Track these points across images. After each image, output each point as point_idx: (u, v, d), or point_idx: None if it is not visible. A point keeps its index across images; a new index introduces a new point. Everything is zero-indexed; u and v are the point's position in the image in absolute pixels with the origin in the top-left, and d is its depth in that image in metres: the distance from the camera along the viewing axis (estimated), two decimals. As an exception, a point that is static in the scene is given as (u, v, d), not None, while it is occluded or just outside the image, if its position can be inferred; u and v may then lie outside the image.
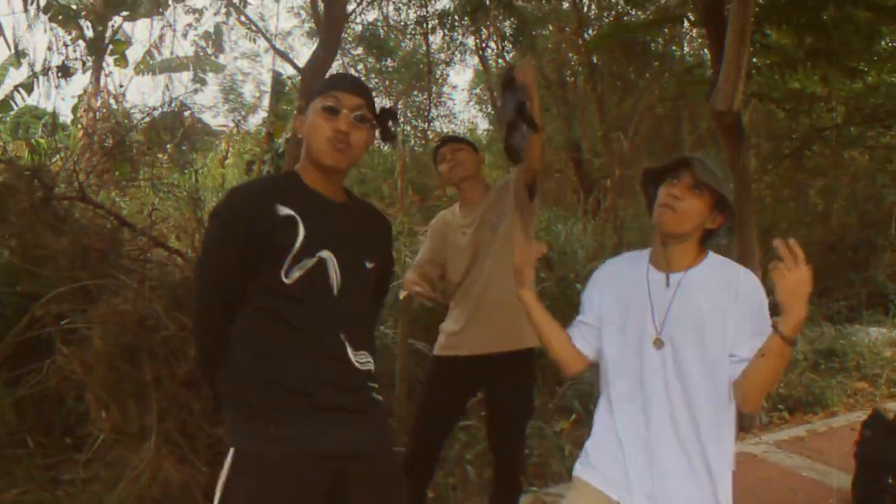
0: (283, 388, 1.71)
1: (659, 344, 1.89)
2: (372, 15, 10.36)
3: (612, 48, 7.97)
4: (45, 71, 9.80)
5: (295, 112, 3.64)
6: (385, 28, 9.83)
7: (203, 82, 5.35)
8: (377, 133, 1.90)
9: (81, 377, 3.68)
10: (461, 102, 25.84)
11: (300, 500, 1.68)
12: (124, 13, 10.73)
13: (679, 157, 1.94)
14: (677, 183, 1.90)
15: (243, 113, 16.00)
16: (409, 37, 12.27)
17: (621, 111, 9.48)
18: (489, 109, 15.50)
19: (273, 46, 3.53)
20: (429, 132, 18.42)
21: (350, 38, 11.57)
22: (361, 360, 1.79)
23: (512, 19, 8.69)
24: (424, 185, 13.33)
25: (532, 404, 3.03)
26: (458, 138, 3.18)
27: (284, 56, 3.17)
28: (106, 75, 12.28)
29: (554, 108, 11.31)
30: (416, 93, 16.78)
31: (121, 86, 11.29)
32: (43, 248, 4.59)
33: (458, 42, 12.21)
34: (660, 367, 1.89)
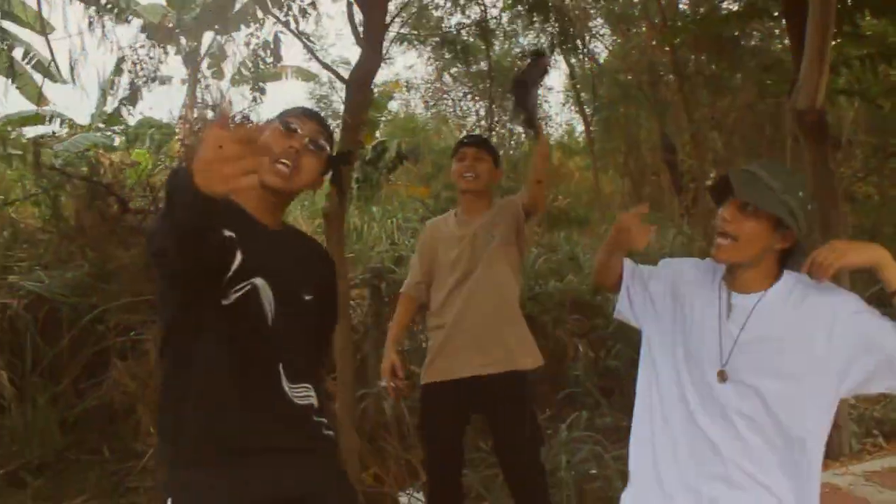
0: (215, 430, 1.62)
1: (723, 377, 1.68)
2: (455, 19, 10.23)
3: (701, 45, 7.61)
4: (143, 84, 10.22)
5: (340, 127, 3.59)
6: (469, 31, 9.71)
7: (262, 91, 5.43)
8: (328, 175, 1.81)
9: (134, 390, 3.78)
10: (557, 104, 25.38)
11: None
12: (217, 27, 11.05)
13: (724, 174, 1.72)
14: (728, 205, 1.69)
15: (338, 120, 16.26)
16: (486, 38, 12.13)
17: (716, 109, 9.04)
18: (588, 111, 15.15)
19: (318, 59, 3.50)
20: (522, 135, 18.22)
21: (436, 43, 11.54)
22: (300, 393, 1.70)
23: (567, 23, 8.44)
24: (513, 188, 13.12)
25: (540, 429, 2.86)
26: (486, 144, 3.03)
27: (329, 67, 3.15)
28: (203, 88, 12.71)
29: (646, 109, 10.94)
30: (509, 95, 16.62)
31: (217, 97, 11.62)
32: (114, 260, 4.76)
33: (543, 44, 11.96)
34: (721, 402, 1.68)
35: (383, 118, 16.30)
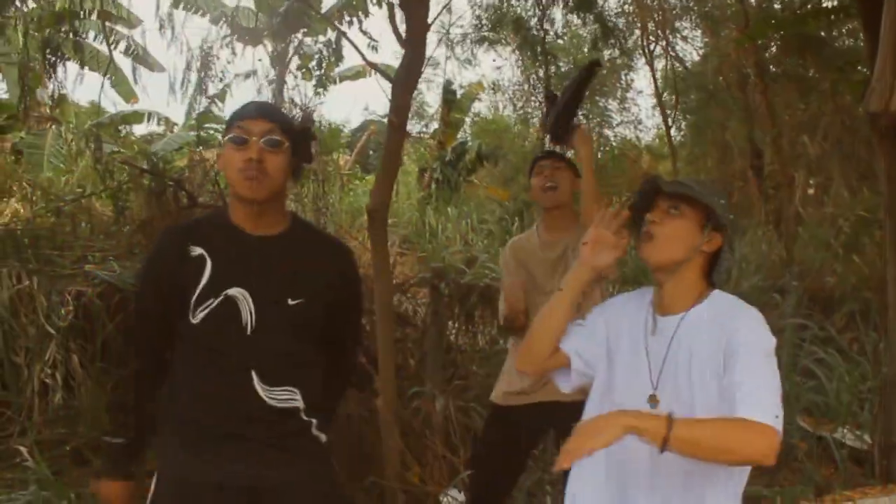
0: (194, 419, 1.76)
1: (654, 401, 1.63)
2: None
3: (788, 45, 7.29)
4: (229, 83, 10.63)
5: (388, 127, 3.61)
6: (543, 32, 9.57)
7: (324, 86, 5.50)
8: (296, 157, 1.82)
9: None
10: (647, 108, 24.88)
11: None
12: (304, 30, 11.32)
13: (644, 183, 1.70)
14: (654, 209, 1.68)
15: (423, 121, 16.40)
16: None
17: (803, 112, 8.64)
18: (676, 115, 14.73)
19: (364, 58, 3.54)
20: (613, 139, 17.94)
21: (517, 44, 11.46)
22: (280, 396, 1.74)
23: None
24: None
25: None
26: (561, 155, 2.99)
27: (375, 67, 3.15)
28: (291, 89, 13.09)
29: (734, 112, 10.57)
30: (598, 98, 16.35)
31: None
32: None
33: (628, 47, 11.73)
34: None
35: (469, 119, 16.37)
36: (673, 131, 15.77)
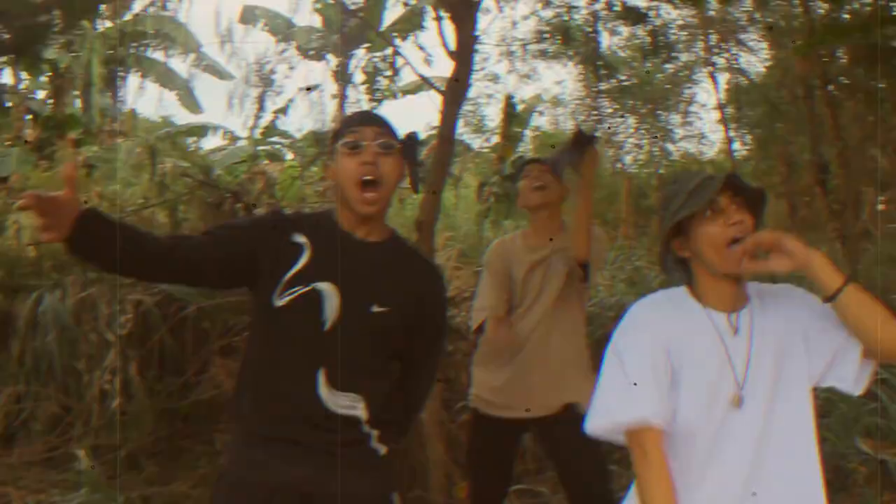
0: (256, 417, 1.76)
1: (738, 402, 1.57)
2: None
3: (855, 56, 7.04)
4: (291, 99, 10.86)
5: (438, 140, 3.64)
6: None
7: (380, 100, 5.58)
8: (407, 165, 1.84)
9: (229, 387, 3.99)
10: (710, 122, 24.44)
11: None
12: (366, 45, 11.52)
13: (704, 180, 1.61)
14: (726, 210, 1.59)
15: (485, 134, 16.42)
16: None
17: (876, 125, 8.32)
18: (737, 128, 14.42)
19: (416, 72, 3.56)
20: (673, 153, 17.65)
21: (574, 57, 11.38)
22: (342, 402, 1.73)
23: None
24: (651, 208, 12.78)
25: (603, 463, 2.70)
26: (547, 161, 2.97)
27: (426, 80, 3.18)
28: (352, 103, 13.30)
29: (800, 125, 10.27)
30: (660, 112, 16.13)
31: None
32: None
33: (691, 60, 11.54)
34: (738, 429, 1.57)
35: (530, 133, 16.32)
36: (736, 145, 15.44)
